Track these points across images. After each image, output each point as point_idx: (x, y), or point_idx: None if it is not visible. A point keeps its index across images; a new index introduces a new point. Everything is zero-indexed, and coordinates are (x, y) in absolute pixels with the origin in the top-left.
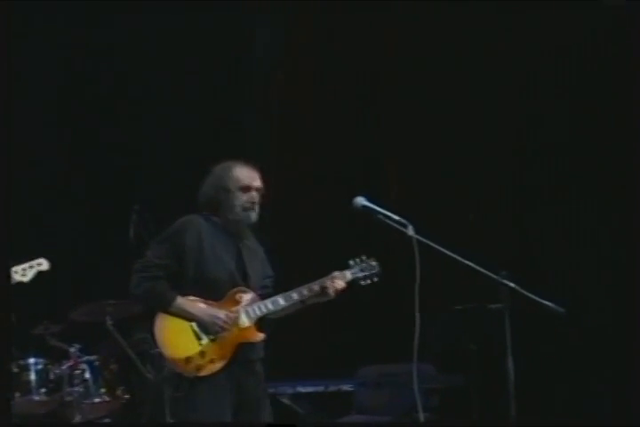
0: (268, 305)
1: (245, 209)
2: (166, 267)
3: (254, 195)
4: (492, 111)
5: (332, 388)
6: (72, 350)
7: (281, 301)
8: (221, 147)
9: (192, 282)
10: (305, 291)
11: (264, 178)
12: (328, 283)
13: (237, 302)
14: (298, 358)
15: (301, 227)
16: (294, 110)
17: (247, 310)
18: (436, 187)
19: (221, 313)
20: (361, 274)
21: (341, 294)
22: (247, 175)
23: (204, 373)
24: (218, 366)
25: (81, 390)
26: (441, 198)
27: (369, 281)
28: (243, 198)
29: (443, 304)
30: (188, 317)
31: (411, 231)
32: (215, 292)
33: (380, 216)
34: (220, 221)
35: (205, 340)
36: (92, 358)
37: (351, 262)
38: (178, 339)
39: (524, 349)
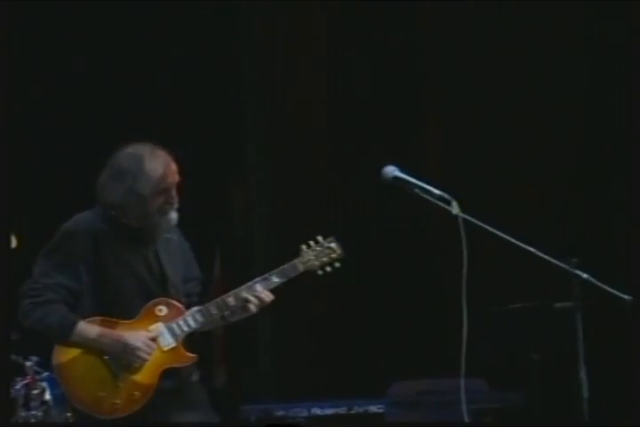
0: (190, 321)
1: (164, 212)
2: (59, 286)
3: (173, 192)
4: (559, 77)
5: (357, 409)
6: (28, 363)
7: (198, 317)
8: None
9: (96, 300)
10: (221, 304)
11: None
12: (247, 295)
13: (157, 318)
14: (313, 374)
15: (321, 202)
16: (313, 67)
17: (171, 326)
18: (487, 156)
19: (137, 338)
20: (316, 262)
21: (266, 305)
22: (164, 173)
23: (122, 413)
24: (141, 402)
25: (39, 414)
26: (492, 170)
27: (329, 269)
28: (160, 201)
29: (496, 303)
30: (94, 347)
31: (455, 209)
32: (126, 308)
33: (417, 190)
34: (128, 221)
35: (123, 374)
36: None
37: (303, 248)
38: (85, 376)
39: (599, 358)
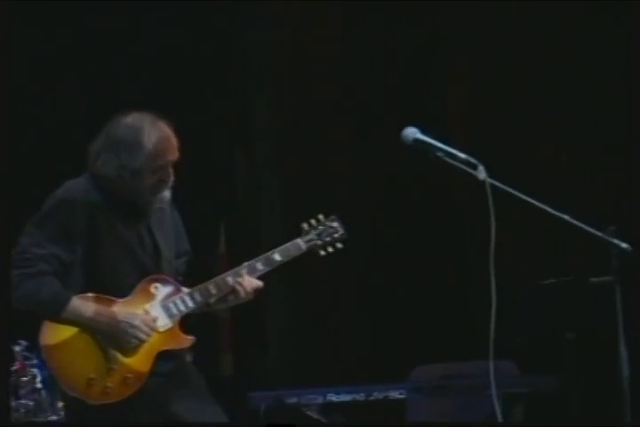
0: (187, 301)
1: (157, 190)
2: (52, 257)
3: (170, 170)
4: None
5: (377, 395)
6: (17, 348)
7: (197, 296)
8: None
9: (88, 275)
10: (220, 283)
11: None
12: (233, 282)
13: (153, 296)
14: (329, 358)
15: (334, 172)
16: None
17: (167, 305)
18: (516, 117)
19: (135, 317)
20: (319, 241)
21: (257, 292)
22: (163, 149)
23: (114, 398)
24: (134, 387)
25: (30, 404)
26: (522, 133)
27: (331, 249)
28: (155, 178)
29: (527, 277)
30: (87, 326)
31: (482, 174)
32: (119, 285)
33: (440, 153)
34: (122, 193)
35: (116, 356)
36: None
37: (304, 226)
38: (75, 358)
39: None
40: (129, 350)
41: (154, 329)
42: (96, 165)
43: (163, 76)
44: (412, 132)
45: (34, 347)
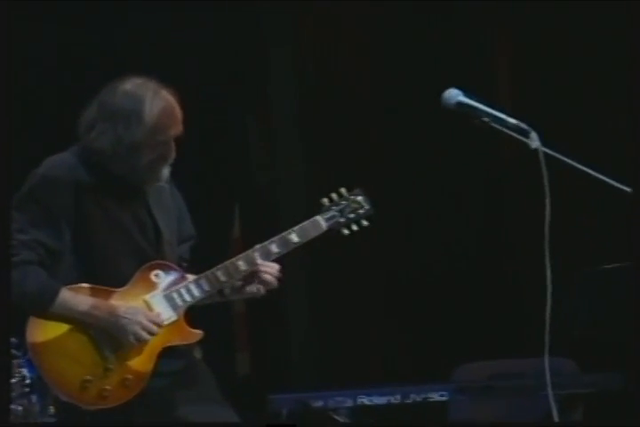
0: (193, 290)
1: (156, 167)
2: (36, 244)
3: (172, 146)
4: None
5: (415, 398)
6: None
7: (204, 284)
8: None
9: (79, 264)
10: (231, 269)
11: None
12: (245, 267)
13: (154, 285)
14: (359, 356)
15: (360, 142)
16: None
17: (171, 295)
18: (571, 81)
19: (137, 312)
20: (342, 219)
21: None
22: (166, 122)
23: (112, 402)
24: (135, 389)
25: (19, 408)
26: (577, 97)
27: (356, 227)
28: (154, 155)
29: (585, 263)
30: (81, 321)
31: (535, 141)
32: (115, 273)
33: (486, 119)
34: (116, 169)
35: (113, 354)
36: None
37: (325, 202)
38: (67, 357)
39: None
40: (127, 347)
41: (159, 325)
42: (88, 138)
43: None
44: (454, 95)
45: (22, 344)
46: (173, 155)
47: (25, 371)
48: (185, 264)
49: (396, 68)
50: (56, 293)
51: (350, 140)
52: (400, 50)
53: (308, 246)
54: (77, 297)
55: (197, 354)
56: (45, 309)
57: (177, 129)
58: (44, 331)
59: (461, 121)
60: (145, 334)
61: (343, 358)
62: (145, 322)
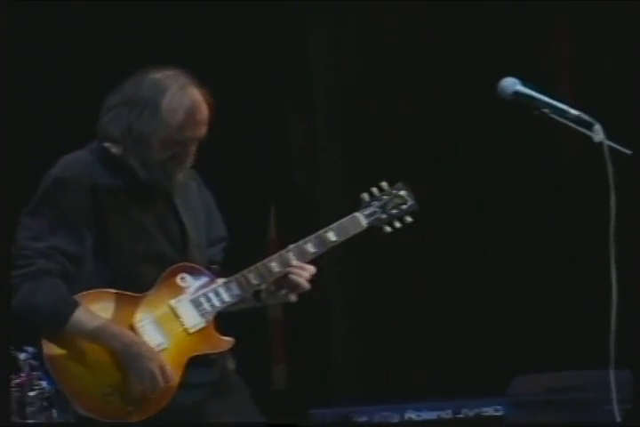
0: (222, 294)
1: (167, 169)
2: (54, 251)
3: (190, 149)
4: None
5: (467, 412)
6: (22, 356)
7: (234, 288)
8: None
9: (101, 269)
10: (263, 271)
11: None
12: (280, 269)
13: (180, 290)
14: (407, 368)
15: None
16: None
17: (198, 300)
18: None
19: (154, 360)
20: (383, 215)
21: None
22: (185, 122)
23: (136, 417)
24: (161, 403)
25: (39, 422)
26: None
27: (398, 224)
28: (167, 155)
29: None
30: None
31: (599, 134)
32: (138, 279)
33: (546, 110)
34: (134, 164)
35: None
36: None
37: (364, 197)
38: (87, 371)
39: None
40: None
41: (166, 383)
42: (102, 123)
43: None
44: (511, 84)
45: (40, 353)
46: (190, 159)
47: (44, 384)
48: (215, 267)
49: (448, 57)
50: (71, 311)
51: (393, 137)
52: (453, 36)
53: (351, 248)
54: (95, 319)
55: (230, 364)
56: (57, 328)
57: (197, 131)
58: (61, 340)
59: (519, 112)
60: (149, 385)
61: (388, 369)
62: (157, 370)
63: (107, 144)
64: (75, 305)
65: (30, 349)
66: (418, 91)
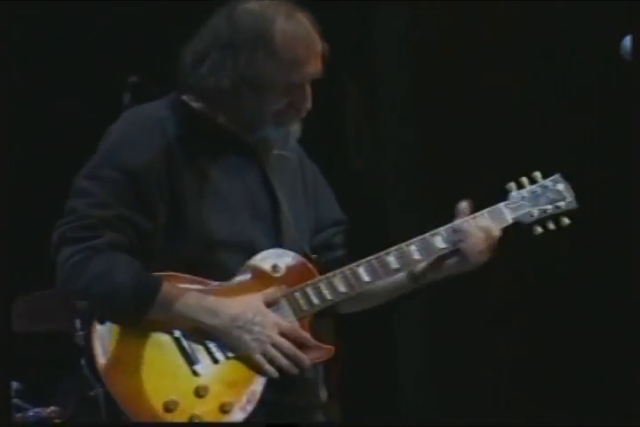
0: (323, 291)
1: (284, 120)
2: (124, 222)
3: (307, 90)
4: None
5: None
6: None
7: (338, 284)
8: None
9: (172, 250)
10: (377, 267)
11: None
12: (420, 256)
13: (271, 281)
14: (484, 403)
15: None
16: None
17: (293, 296)
18: None
19: (269, 322)
20: (535, 210)
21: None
22: (302, 55)
23: None
24: (237, 416)
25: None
26: None
27: (552, 226)
28: (283, 102)
29: None
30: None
31: None
32: (219, 263)
33: None
34: (225, 122)
35: (209, 369)
36: (46, 411)
37: (512, 187)
38: (146, 373)
39: None
40: (233, 361)
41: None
42: (197, 75)
43: None
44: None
45: (28, 391)
46: (308, 105)
47: None
48: (340, 253)
49: (540, 34)
50: (157, 288)
51: (464, 123)
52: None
53: None
54: (186, 296)
55: (323, 395)
56: (144, 310)
57: (315, 66)
58: (111, 340)
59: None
60: (283, 360)
61: (464, 404)
62: (280, 341)
63: (185, 97)
64: (159, 282)
65: (16, 383)
66: (504, 75)
